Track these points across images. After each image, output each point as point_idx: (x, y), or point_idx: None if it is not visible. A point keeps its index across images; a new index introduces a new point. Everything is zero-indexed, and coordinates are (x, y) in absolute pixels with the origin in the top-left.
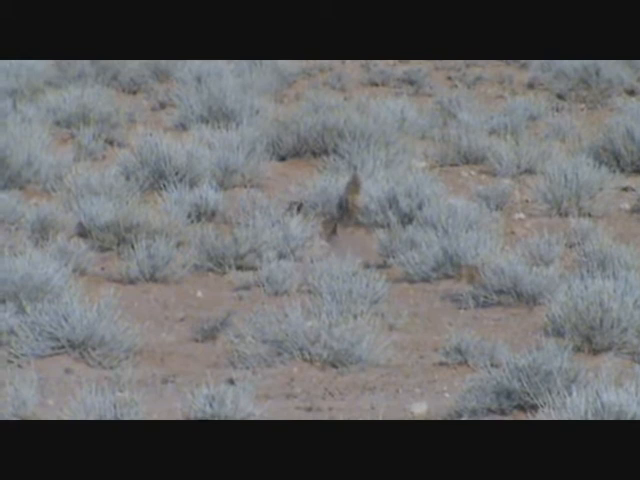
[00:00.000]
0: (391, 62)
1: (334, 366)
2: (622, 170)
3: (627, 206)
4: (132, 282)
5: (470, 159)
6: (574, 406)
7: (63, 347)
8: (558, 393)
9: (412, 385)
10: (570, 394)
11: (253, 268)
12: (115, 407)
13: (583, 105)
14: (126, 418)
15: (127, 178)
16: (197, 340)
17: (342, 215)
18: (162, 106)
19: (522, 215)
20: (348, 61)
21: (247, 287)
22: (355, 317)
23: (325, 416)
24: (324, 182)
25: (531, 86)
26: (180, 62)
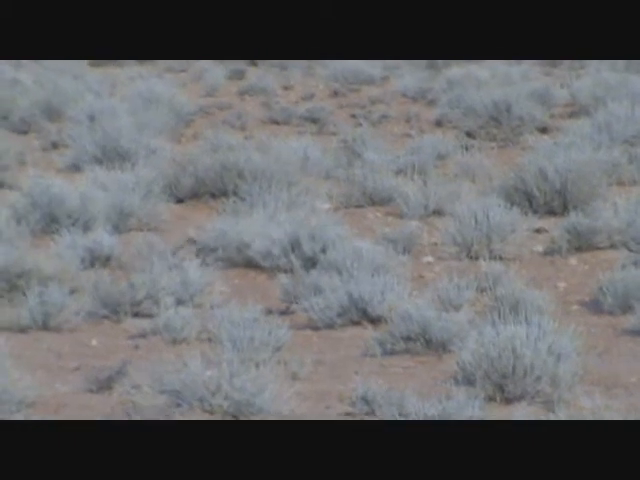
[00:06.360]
0: (293, 100)
1: (235, 417)
2: (535, 211)
3: (540, 248)
4: (23, 331)
5: (376, 200)
6: None
7: None
8: None
9: None
10: None
11: (150, 315)
12: None
13: (494, 143)
14: None
15: (18, 222)
16: (92, 390)
17: None
18: (54, 146)
19: (431, 258)
20: (248, 98)
21: (144, 335)
22: (257, 366)
23: None
24: (223, 225)
25: (439, 124)
26: (72, 101)
